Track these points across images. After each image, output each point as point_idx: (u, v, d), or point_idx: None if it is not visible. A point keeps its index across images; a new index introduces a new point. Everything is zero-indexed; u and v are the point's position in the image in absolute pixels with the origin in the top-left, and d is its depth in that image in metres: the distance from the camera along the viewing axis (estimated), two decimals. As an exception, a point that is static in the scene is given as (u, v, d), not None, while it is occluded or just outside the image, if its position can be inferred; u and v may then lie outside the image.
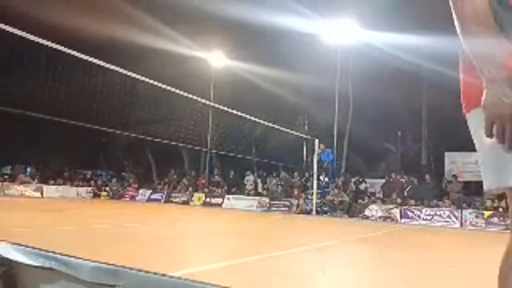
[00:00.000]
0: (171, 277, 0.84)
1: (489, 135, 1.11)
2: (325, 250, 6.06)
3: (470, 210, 12.54)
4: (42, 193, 17.58)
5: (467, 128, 1.34)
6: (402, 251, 6.58)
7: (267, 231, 9.25)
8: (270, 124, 15.74)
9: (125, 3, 18.10)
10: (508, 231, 1.25)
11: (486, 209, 12.29)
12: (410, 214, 13.15)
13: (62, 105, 12.45)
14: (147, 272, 0.85)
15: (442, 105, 14.98)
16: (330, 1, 17.55)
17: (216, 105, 15.23)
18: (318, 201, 14.66)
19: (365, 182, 16.17)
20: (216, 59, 20.83)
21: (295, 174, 17.46)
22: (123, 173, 23.43)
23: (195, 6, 17.96)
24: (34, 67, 12.01)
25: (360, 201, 14.60)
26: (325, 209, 14.57)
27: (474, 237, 10.26)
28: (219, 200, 16.82)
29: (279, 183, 16.79)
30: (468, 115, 1.30)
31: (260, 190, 17.35)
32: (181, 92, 11.21)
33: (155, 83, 10.22)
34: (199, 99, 12.75)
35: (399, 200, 13.84)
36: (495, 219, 11.75)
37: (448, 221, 12.51)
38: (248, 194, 16.88)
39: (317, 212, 14.32)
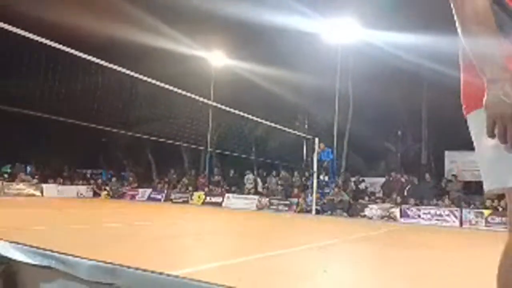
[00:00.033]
0: (169, 275, 0.84)
1: (491, 135, 1.12)
2: (326, 249, 6.07)
3: (470, 210, 12.54)
4: (42, 192, 17.59)
5: (467, 128, 1.34)
6: (402, 250, 6.58)
7: (267, 230, 9.25)
8: (270, 123, 15.74)
9: (125, 2, 18.09)
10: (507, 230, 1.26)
11: (486, 208, 12.29)
12: (410, 213, 13.15)
13: (62, 104, 12.44)
14: (145, 270, 0.85)
15: (442, 105, 14.99)
16: (330, 0, 17.54)
17: (216, 104, 15.23)
18: (318, 200, 14.66)
19: (364, 181, 16.17)
20: (216, 58, 20.82)
21: (295, 173, 17.47)
22: (123, 173, 23.43)
23: (195, 5, 17.95)
24: (34, 66, 11.99)
25: (360, 200, 14.60)
26: (325, 208, 14.58)
27: (473, 236, 10.26)
28: (219, 199, 16.83)
29: (279, 182, 16.80)
30: (468, 116, 1.31)
31: (260, 189, 17.36)
32: (181, 91, 11.21)
33: (155, 82, 10.22)
34: (199, 98, 12.75)
35: (399, 200, 13.84)
36: (495, 219, 11.75)
37: (447, 220, 12.52)
38: (248, 193, 16.88)
39: (317, 212, 14.32)
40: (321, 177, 15.58)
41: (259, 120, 15.10)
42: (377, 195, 15.07)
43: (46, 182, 18.58)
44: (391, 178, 15.46)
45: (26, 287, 1.06)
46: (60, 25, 14.27)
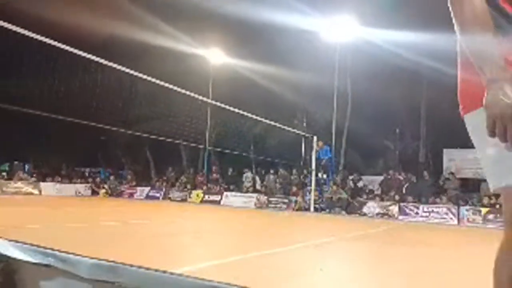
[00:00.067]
0: (171, 273, 0.84)
1: (492, 135, 1.13)
2: (322, 246, 6.08)
3: (468, 207, 12.59)
4: (40, 191, 17.56)
5: (465, 126, 1.35)
6: (400, 248, 6.61)
7: (265, 228, 9.27)
8: (269, 122, 15.74)
9: (124, 0, 18.04)
10: (505, 228, 1.28)
11: (484, 206, 12.34)
12: (408, 211, 13.19)
13: (61, 103, 12.39)
14: (145, 268, 0.86)
15: (441, 103, 15.02)
16: (329, -2, 17.52)
17: (215, 103, 15.21)
18: (316, 198, 14.68)
19: (362, 179, 16.20)
20: (215, 56, 20.79)
21: (293, 171, 17.47)
22: (121, 171, 23.42)
23: (194, 3, 17.90)
24: (32, 64, 11.95)
25: (358, 198, 14.63)
26: (323, 206, 14.60)
27: (471, 234, 10.30)
28: (217, 197, 16.84)
29: (277, 180, 16.81)
30: (466, 116, 1.32)
31: (258, 187, 17.37)
32: (180, 90, 11.19)
33: (154, 80, 10.20)
34: (197, 96, 12.73)
35: (397, 197, 13.88)
36: (492, 216, 11.80)
37: (445, 218, 12.56)
38: (247, 191, 16.90)
39: (315, 209, 14.35)
40: (320, 175, 15.60)
41: (257, 118, 15.09)
42: (375, 193, 15.10)
43: (44, 180, 18.56)
44: (389, 176, 15.49)
45: (26, 286, 1.06)
46: (59, 23, 14.23)
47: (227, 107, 13.46)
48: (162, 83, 10.46)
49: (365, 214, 13.61)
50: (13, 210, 9.99)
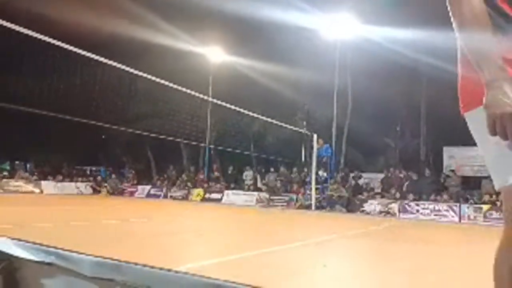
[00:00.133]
0: (176, 272, 0.85)
1: (493, 134, 1.13)
2: (323, 244, 6.09)
3: (468, 205, 12.59)
4: (41, 189, 17.58)
5: (466, 124, 1.35)
6: (401, 245, 6.61)
7: (265, 226, 9.28)
8: (269, 120, 15.74)
9: (123, -1, 18.02)
10: (505, 225, 1.29)
11: (484, 203, 12.34)
12: (408, 208, 13.19)
13: (62, 102, 12.41)
14: (151, 267, 0.86)
15: (441, 101, 14.98)
16: (328, -4, 17.47)
17: (215, 101, 15.21)
18: (317, 196, 14.69)
19: (362, 177, 16.20)
20: (215, 54, 20.77)
21: (294, 169, 17.48)
22: (122, 169, 23.42)
23: (194, 1, 17.86)
24: (33, 63, 11.96)
25: (359, 196, 14.64)
26: (324, 204, 14.61)
27: (472, 232, 10.31)
28: (218, 196, 16.85)
29: (278, 178, 16.81)
30: (467, 114, 1.32)
31: (259, 185, 17.37)
32: (180, 88, 11.19)
33: (154, 78, 10.20)
34: (197, 94, 12.73)
35: (398, 195, 13.88)
36: (493, 214, 11.80)
37: (446, 216, 12.56)
38: (247, 190, 16.90)
39: (316, 207, 14.36)
40: (320, 173, 15.60)
41: (257, 116, 15.09)
42: (376, 190, 15.10)
43: (45, 179, 18.57)
44: (390, 174, 15.49)
45: (27, 284, 1.06)
46: (60, 22, 14.23)
47: (227, 105, 13.45)
48: (162, 81, 10.46)
49: (366, 212, 13.62)
50: (14, 210, 10.00)
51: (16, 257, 1.04)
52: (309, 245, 5.79)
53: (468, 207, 12.44)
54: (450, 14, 1.27)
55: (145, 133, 17.67)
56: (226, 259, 4.36)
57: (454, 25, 1.26)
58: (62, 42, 8.01)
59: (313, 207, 14.30)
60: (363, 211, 13.71)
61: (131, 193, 19.00)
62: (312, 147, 15.70)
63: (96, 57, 8.77)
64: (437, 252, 5.84)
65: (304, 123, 19.97)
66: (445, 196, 13.27)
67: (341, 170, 17.03)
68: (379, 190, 15.01)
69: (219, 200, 16.57)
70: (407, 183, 14.43)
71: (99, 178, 21.13)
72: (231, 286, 0.80)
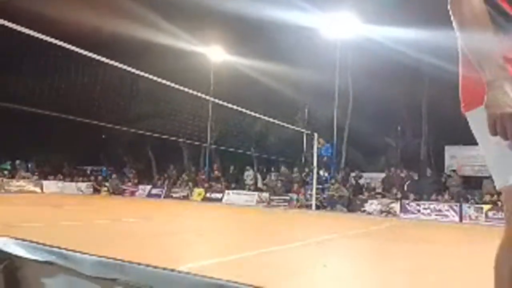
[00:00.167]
0: (179, 272, 0.84)
1: (493, 134, 1.14)
2: (324, 244, 6.09)
3: (469, 204, 12.57)
4: (42, 189, 17.61)
5: (467, 123, 1.35)
6: (402, 245, 6.61)
7: (266, 226, 9.28)
8: (270, 119, 15.73)
9: (124, -2, 18.03)
10: (507, 225, 1.29)
11: (485, 203, 12.32)
12: (409, 208, 13.18)
13: (63, 101, 12.43)
14: (155, 267, 0.86)
15: (443, 100, 14.95)
16: (329, -5, 17.46)
17: (216, 100, 15.20)
18: (318, 196, 14.68)
19: (363, 177, 16.19)
20: (215, 54, 20.77)
21: (295, 169, 17.48)
22: (123, 169, 23.46)
23: (194, 1, 17.87)
24: (34, 63, 11.98)
25: (359, 195, 14.63)
26: (325, 203, 14.61)
27: (473, 231, 10.30)
28: (219, 195, 16.85)
29: (279, 178, 16.81)
30: (468, 114, 1.33)
31: (260, 185, 17.38)
32: (181, 87, 11.18)
33: (155, 78, 10.20)
34: (198, 94, 12.73)
35: (399, 195, 13.87)
36: (495, 213, 11.79)
37: (447, 216, 12.55)
38: (248, 189, 16.91)
39: (317, 207, 14.36)
40: (321, 172, 15.61)
41: (258, 115, 15.09)
42: (377, 190, 15.09)
43: (46, 179, 18.60)
44: (391, 173, 15.48)
45: (28, 283, 1.06)
46: (61, 22, 14.24)
47: (228, 104, 13.45)
48: (163, 81, 10.46)
49: (366, 212, 13.61)
50: (9, 209, 10.02)
51: (17, 256, 1.04)
52: (310, 245, 5.79)
53: (469, 207, 12.43)
54: (451, 13, 1.27)
55: (146, 133, 17.69)
56: (227, 259, 4.36)
57: (454, 24, 1.27)
58: (63, 42, 8.01)
59: (313, 207, 14.30)
60: (364, 211, 13.71)
61: (132, 193, 19.02)
62: (312, 147, 15.70)
63: (97, 57, 8.78)
64: (438, 252, 5.84)
65: (305, 122, 19.98)
66: (446, 196, 13.26)
67: (342, 170, 17.03)
68: (380, 190, 15.00)
69: (220, 200, 16.58)
70: (408, 183, 14.42)
71: (100, 177, 21.16)
72: (234, 286, 0.80)
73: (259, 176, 18.00)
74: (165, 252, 4.62)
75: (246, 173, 17.94)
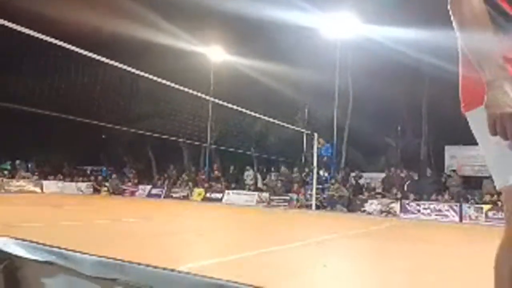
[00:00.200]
0: (179, 272, 0.84)
1: (493, 134, 1.14)
2: (324, 244, 6.09)
3: (469, 204, 12.57)
4: (42, 189, 17.61)
5: (467, 123, 1.36)
6: (402, 245, 6.61)
7: (266, 226, 9.28)
8: (270, 119, 15.73)
9: (124, -2, 18.03)
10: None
11: (485, 203, 12.32)
12: (409, 208, 13.18)
13: (63, 101, 12.42)
14: (155, 267, 0.85)
15: (443, 100, 14.95)
16: (329, -5, 17.46)
17: (216, 100, 15.21)
18: (318, 196, 14.68)
19: (363, 177, 16.19)
20: (215, 54, 20.77)
21: (295, 169, 17.48)
22: (123, 169, 23.47)
23: (194, 1, 17.87)
24: (34, 63, 11.97)
25: (359, 195, 14.63)
26: (325, 203, 14.61)
27: (473, 231, 10.30)
28: (219, 195, 16.85)
29: (279, 178, 16.81)
30: (468, 113, 1.33)
31: (260, 185, 17.38)
32: (181, 87, 11.18)
33: (155, 78, 10.20)
34: (198, 94, 12.73)
35: (399, 195, 13.87)
36: (495, 214, 11.79)
37: (447, 216, 12.55)
38: (248, 189, 16.91)
39: (317, 207, 14.36)
40: (321, 172, 15.61)
41: (258, 115, 15.09)
42: (377, 190, 15.09)
43: (46, 179, 18.60)
44: (391, 173, 15.48)
45: (28, 283, 1.06)
46: (60, 22, 14.24)
47: (228, 104, 13.45)
48: (163, 81, 10.46)
49: (366, 212, 13.61)
50: (8, 209, 10.02)
51: (17, 256, 1.04)
52: (310, 245, 5.79)
53: (469, 207, 12.44)
54: (451, 13, 1.28)
55: (146, 133, 17.69)
56: (227, 259, 4.36)
57: (454, 24, 1.27)
58: (63, 41, 8.01)
59: (313, 207, 14.30)
60: (364, 211, 13.71)
61: (132, 193, 19.02)
62: (313, 147, 15.70)
63: (97, 57, 8.77)
64: (438, 252, 5.84)
65: (305, 122, 19.99)
66: (446, 196, 13.26)
67: (342, 170, 17.03)
68: (380, 190, 15.01)
69: (220, 200, 16.58)
70: (408, 182, 14.43)
71: (100, 177, 21.16)
72: (234, 286, 0.80)
73: (259, 176, 18.00)
74: (165, 252, 4.62)
75: (246, 173, 17.95)
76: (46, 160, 21.92)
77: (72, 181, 19.52)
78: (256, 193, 16.32)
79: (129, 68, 9.64)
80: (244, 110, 13.98)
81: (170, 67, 16.91)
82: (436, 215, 12.69)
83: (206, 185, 18.14)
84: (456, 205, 12.61)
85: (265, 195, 15.92)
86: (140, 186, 19.32)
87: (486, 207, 12.13)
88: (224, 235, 7.18)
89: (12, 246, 1.07)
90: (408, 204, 13.28)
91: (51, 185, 18.11)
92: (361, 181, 15.83)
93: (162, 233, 6.49)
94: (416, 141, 20.37)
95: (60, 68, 12.10)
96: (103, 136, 25.25)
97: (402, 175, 15.09)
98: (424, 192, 13.67)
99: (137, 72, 9.88)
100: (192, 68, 19.66)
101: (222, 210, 13.55)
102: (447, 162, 17.51)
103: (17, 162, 19.50)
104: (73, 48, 8.22)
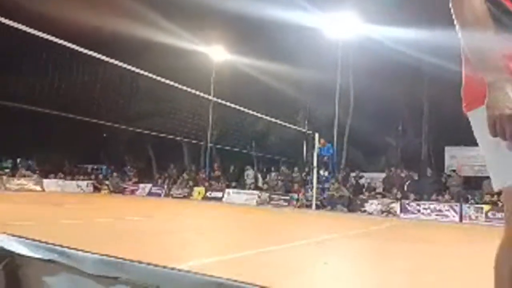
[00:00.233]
0: (179, 270, 0.85)
1: (493, 134, 1.14)
2: (324, 243, 6.09)
3: (469, 205, 12.57)
4: (42, 187, 17.62)
5: (467, 124, 1.36)
6: (402, 245, 6.61)
7: (267, 225, 9.28)
8: (270, 119, 15.73)
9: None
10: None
11: (485, 203, 12.32)
12: (409, 208, 13.18)
13: (64, 100, 12.44)
14: (155, 265, 0.86)
15: (443, 100, 14.96)
16: (331, -5, 17.46)
17: (217, 100, 15.21)
18: (318, 195, 14.68)
19: (363, 177, 16.19)
20: (217, 53, 20.77)
21: (295, 168, 17.48)
22: (124, 168, 23.49)
23: (196, 0, 17.86)
24: (35, 62, 11.98)
25: (360, 195, 14.63)
26: (325, 203, 14.61)
27: (473, 231, 10.30)
28: (219, 195, 16.85)
29: (279, 177, 16.81)
30: (469, 113, 1.33)
31: (260, 184, 17.38)
32: (182, 87, 11.18)
33: (156, 77, 10.20)
34: (199, 93, 12.73)
35: (399, 195, 13.87)
36: (495, 214, 11.78)
37: (447, 216, 12.55)
38: (248, 189, 16.91)
39: (317, 207, 14.36)
40: (321, 172, 15.60)
41: (259, 115, 15.08)
42: (377, 190, 15.09)
43: (47, 177, 18.60)
44: (391, 173, 15.47)
45: (29, 281, 1.07)
46: (60, 20, 14.23)
47: (229, 104, 13.44)
48: (164, 80, 10.45)
49: (367, 211, 13.61)
50: (7, 207, 10.03)
51: (19, 255, 1.04)
52: (310, 245, 5.80)
53: (469, 207, 12.43)
54: (453, 14, 1.28)
55: (146, 132, 17.71)
56: (227, 257, 4.37)
57: (456, 26, 1.27)
58: (64, 40, 8.00)
59: (314, 207, 14.30)
60: (364, 210, 13.71)
61: (132, 192, 19.03)
62: (313, 147, 15.70)
63: (98, 56, 8.77)
64: (438, 252, 5.84)
65: (306, 122, 19.99)
66: (446, 196, 13.25)
67: (342, 170, 17.03)
68: (380, 190, 15.00)
69: (220, 199, 16.58)
70: (408, 182, 14.42)
71: (100, 176, 21.18)
72: (234, 285, 0.80)
73: (259, 176, 18.00)
74: (166, 251, 4.63)
75: (246, 173, 17.95)
76: (47, 159, 21.93)
77: (72, 179, 19.52)
78: (256, 192, 16.32)
79: (129, 67, 9.64)
80: (245, 109, 13.98)
81: (171, 66, 16.92)
82: (436, 215, 12.69)
83: (206, 184, 18.15)
84: (456, 205, 12.60)
85: (265, 194, 15.92)
86: (141, 185, 19.33)
87: (486, 207, 12.12)
88: (224, 234, 7.18)
89: (13, 244, 1.08)
90: (408, 204, 13.28)
91: (51, 184, 18.11)
92: (362, 181, 15.83)
93: (163, 232, 6.49)
94: (417, 140, 20.37)
95: (60, 66, 12.12)
96: (104, 135, 25.28)
97: (403, 175, 15.09)
98: (424, 192, 13.67)
99: (138, 70, 9.88)
100: (194, 67, 19.67)
101: (222, 209, 13.56)
102: (447, 162, 17.50)
103: (18, 160, 19.51)
104: (73, 46, 8.21)
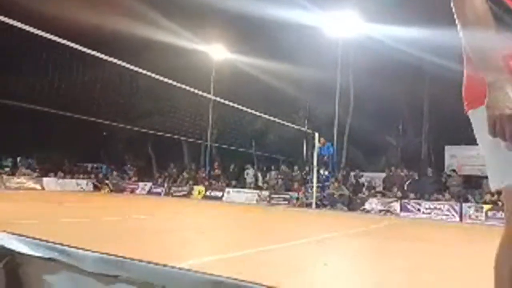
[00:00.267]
0: (180, 268, 0.85)
1: (493, 134, 1.14)
2: (324, 242, 6.09)
3: (470, 204, 12.57)
4: (42, 186, 17.62)
5: (468, 123, 1.36)
6: (402, 244, 6.61)
7: (267, 224, 9.29)
8: (271, 118, 15.74)
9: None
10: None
11: (486, 203, 12.32)
12: (409, 207, 13.18)
13: (64, 99, 12.43)
14: (156, 264, 0.86)
15: (444, 99, 14.96)
16: (331, -6, 17.44)
17: (217, 98, 15.20)
18: (318, 194, 14.69)
19: (363, 176, 16.19)
20: (217, 52, 20.76)
21: (295, 167, 17.49)
22: (124, 166, 23.50)
23: (196, -1, 17.86)
24: (35, 61, 11.98)
25: (360, 194, 14.64)
26: (325, 202, 14.61)
27: (473, 231, 10.30)
28: (219, 194, 16.86)
29: (279, 176, 16.82)
30: (470, 112, 1.33)
31: (260, 183, 17.39)
32: (182, 85, 11.18)
33: (156, 76, 10.19)
34: (199, 92, 12.72)
35: (399, 194, 13.87)
36: (495, 213, 11.78)
37: (447, 215, 12.55)
38: (249, 188, 16.92)
39: (317, 206, 14.36)
40: (321, 171, 15.61)
41: (259, 114, 15.08)
42: (377, 189, 15.09)
43: (47, 175, 18.61)
44: (391, 173, 15.47)
45: (30, 280, 1.07)
46: (60, 19, 14.22)
47: (229, 103, 13.44)
48: (164, 79, 10.45)
49: (367, 211, 13.62)
50: (7, 206, 10.03)
51: (19, 253, 1.04)
52: (310, 243, 5.80)
53: (469, 207, 12.44)
54: (454, 14, 1.28)
55: (146, 131, 17.70)
56: (227, 256, 4.37)
57: (458, 25, 1.27)
58: (64, 39, 8.00)
59: (314, 206, 14.31)
60: (364, 209, 13.71)
61: (132, 191, 19.04)
62: (313, 146, 15.70)
63: (98, 54, 8.76)
64: (438, 251, 5.84)
65: (306, 121, 19.99)
66: (446, 196, 13.26)
67: (342, 169, 17.04)
68: (380, 189, 15.00)
69: (220, 198, 16.59)
70: (408, 182, 14.42)
71: (100, 175, 21.17)
72: (234, 283, 0.80)
73: (259, 175, 18.00)
74: (166, 249, 4.63)
75: (246, 172, 17.95)
76: (47, 157, 21.93)
77: (72, 178, 19.52)
78: (256, 191, 16.33)
79: (129, 66, 9.63)
80: (245, 108, 13.97)
81: (171, 65, 16.92)
82: (436, 214, 12.69)
83: (206, 183, 18.15)
84: (456, 205, 12.60)
85: (265, 193, 15.93)
86: (141, 184, 19.34)
87: (486, 207, 12.12)
88: (224, 233, 7.19)
89: (13, 242, 1.08)
90: (408, 203, 13.28)
91: (51, 182, 18.12)
92: (361, 180, 15.84)
93: (163, 231, 6.50)
94: (417, 140, 20.37)
95: (60, 65, 12.10)
96: (104, 134, 25.28)
97: (403, 174, 15.09)
98: (424, 191, 13.67)
99: (138, 69, 9.87)
100: (194, 66, 19.67)
101: (222, 208, 13.56)
102: (447, 161, 17.49)
103: (18, 159, 19.51)
104: (73, 45, 8.21)
